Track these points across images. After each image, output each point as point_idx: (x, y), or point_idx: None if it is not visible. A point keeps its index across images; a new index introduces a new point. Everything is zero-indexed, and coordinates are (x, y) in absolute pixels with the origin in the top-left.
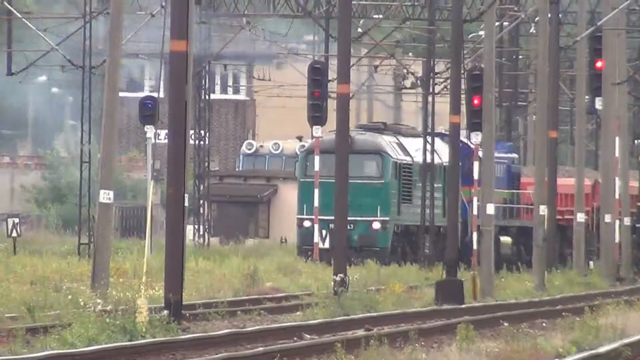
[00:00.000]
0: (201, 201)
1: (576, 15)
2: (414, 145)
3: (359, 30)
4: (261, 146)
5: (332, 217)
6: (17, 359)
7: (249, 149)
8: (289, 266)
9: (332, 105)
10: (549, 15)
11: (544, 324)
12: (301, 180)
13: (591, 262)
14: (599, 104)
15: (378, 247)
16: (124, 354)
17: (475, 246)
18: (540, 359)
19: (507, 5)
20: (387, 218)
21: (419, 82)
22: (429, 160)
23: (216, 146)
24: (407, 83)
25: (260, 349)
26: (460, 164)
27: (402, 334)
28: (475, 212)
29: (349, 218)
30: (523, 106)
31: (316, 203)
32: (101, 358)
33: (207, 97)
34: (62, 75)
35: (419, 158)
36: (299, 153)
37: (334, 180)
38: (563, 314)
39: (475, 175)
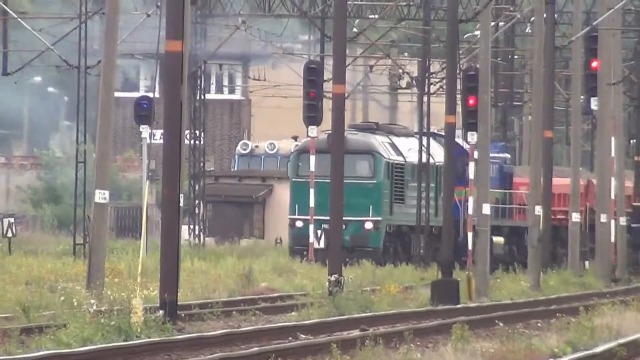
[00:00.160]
0: (196, 201)
1: (572, 15)
2: (406, 145)
3: (355, 30)
4: (256, 146)
5: (325, 217)
6: (12, 359)
7: (244, 149)
8: (284, 266)
9: (327, 105)
10: (545, 15)
11: (539, 324)
12: (293, 180)
13: (587, 263)
14: (594, 104)
15: (370, 247)
16: (119, 354)
17: (470, 246)
18: (535, 359)
19: (503, 5)
20: (379, 218)
21: (414, 82)
22: (420, 159)
23: (211, 146)
24: (403, 83)
25: (255, 349)
26: None
27: (398, 334)
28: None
29: None
30: (518, 106)
31: (312, 203)
32: (96, 358)
33: (202, 97)
34: (57, 75)
35: (411, 158)
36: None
37: (326, 180)
38: (558, 314)
39: (471, 175)
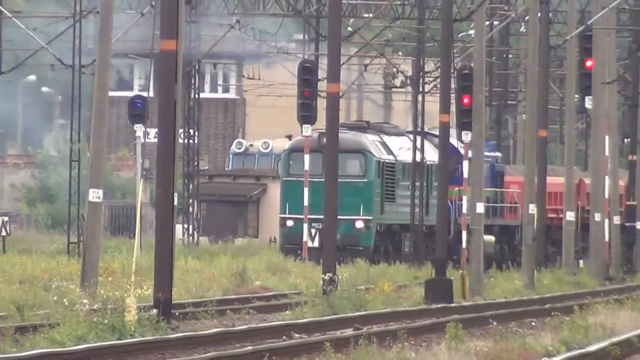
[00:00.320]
0: (190, 200)
1: (566, 14)
2: (397, 144)
3: (349, 29)
4: (251, 145)
5: (316, 216)
6: (6, 357)
7: (239, 148)
8: (278, 265)
9: (322, 104)
10: (539, 14)
11: (533, 323)
12: (284, 179)
13: (581, 261)
14: (588, 103)
15: (361, 246)
16: (113, 353)
17: (464, 245)
18: (529, 358)
19: (497, 4)
20: (370, 217)
21: (408, 81)
22: (414, 159)
23: (205, 145)
24: (397, 82)
25: (249, 348)
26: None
27: (392, 333)
28: (464, 210)
29: None
30: (513, 105)
31: (306, 202)
32: (90, 357)
33: (196, 96)
34: (51, 74)
35: (402, 157)
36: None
37: (317, 179)
38: (552, 313)
39: (465, 175)
